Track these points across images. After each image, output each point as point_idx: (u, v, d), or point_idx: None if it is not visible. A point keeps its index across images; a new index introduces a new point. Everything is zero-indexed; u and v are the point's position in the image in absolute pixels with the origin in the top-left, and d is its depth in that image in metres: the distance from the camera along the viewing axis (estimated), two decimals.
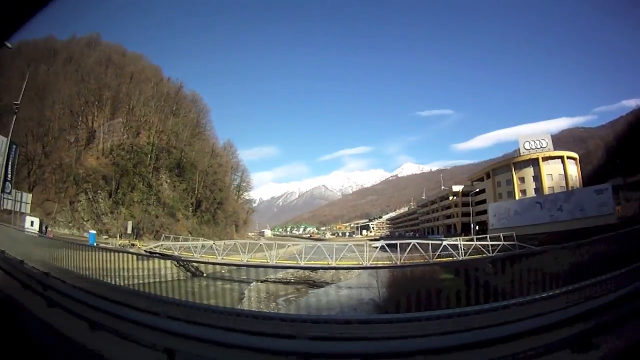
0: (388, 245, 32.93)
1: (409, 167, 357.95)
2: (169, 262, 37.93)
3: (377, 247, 35.69)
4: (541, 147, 72.19)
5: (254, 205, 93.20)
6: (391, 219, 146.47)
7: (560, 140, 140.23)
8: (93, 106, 63.97)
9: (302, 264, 34.34)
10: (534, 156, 71.19)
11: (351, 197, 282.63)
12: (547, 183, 69.80)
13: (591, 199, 47.84)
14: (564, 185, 68.67)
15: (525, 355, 4.13)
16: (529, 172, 71.84)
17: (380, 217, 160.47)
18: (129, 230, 47.97)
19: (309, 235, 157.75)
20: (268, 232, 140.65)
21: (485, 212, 74.12)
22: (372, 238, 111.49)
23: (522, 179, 72.66)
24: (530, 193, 69.53)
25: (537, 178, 70.96)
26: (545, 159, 70.91)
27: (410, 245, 32.60)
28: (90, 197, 55.54)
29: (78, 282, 10.09)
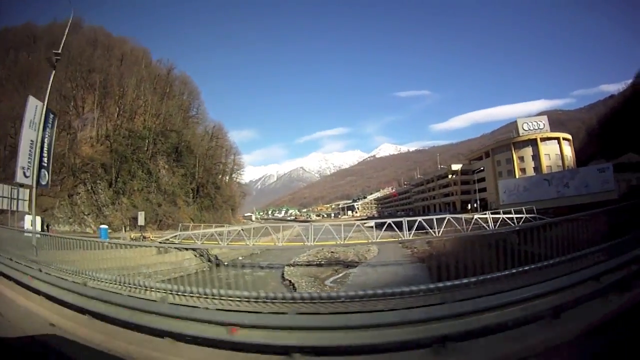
0: (395, 223, 30.07)
1: (387, 148, 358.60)
2: (188, 253, 33.57)
3: (372, 227, 33.63)
4: (539, 128, 73.04)
5: (245, 187, 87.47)
6: (378, 199, 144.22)
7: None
8: (83, 90, 56.25)
9: (339, 242, 30.54)
10: (533, 137, 71.69)
11: (330, 179, 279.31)
12: (545, 162, 70.94)
13: (594, 177, 48.96)
14: (560, 164, 70.21)
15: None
16: (528, 151, 72.24)
17: (365, 197, 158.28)
18: (141, 222, 42.03)
19: (293, 218, 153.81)
20: (253, 216, 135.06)
21: (483, 189, 75.61)
22: (360, 218, 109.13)
23: (521, 158, 73.05)
24: (530, 171, 70.47)
25: (536, 157, 71.73)
26: (542, 139, 71.53)
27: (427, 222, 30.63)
28: (90, 188, 48.89)
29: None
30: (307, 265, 32.74)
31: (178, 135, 64.14)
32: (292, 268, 30.67)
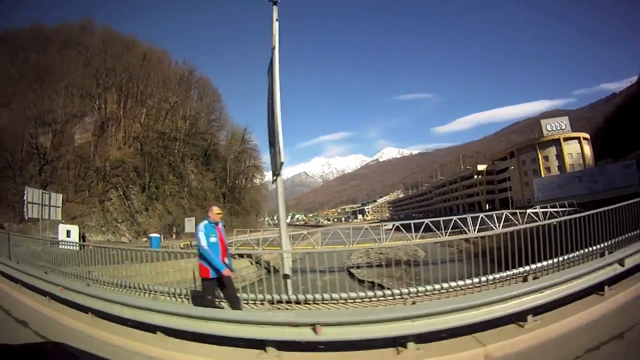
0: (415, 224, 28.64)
1: (389, 152, 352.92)
2: (244, 261, 29.76)
3: (390, 229, 32.23)
4: (561, 128, 72.42)
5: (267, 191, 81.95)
6: (392, 202, 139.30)
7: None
8: (106, 90, 50.75)
9: (380, 244, 26.72)
10: (556, 137, 70.94)
11: (334, 183, 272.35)
12: (567, 161, 70.10)
13: (620, 173, 50.38)
14: (582, 162, 69.15)
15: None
16: (552, 151, 71.57)
17: (375, 201, 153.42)
18: (191, 228, 36.41)
19: (303, 223, 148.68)
20: (265, 222, 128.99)
21: (506, 190, 76.17)
22: (373, 221, 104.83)
23: (545, 158, 72.19)
24: (554, 170, 69.81)
25: (559, 156, 70.90)
26: (565, 139, 70.88)
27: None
28: (122, 193, 43.28)
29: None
30: (370, 266, 27.99)
31: (206, 138, 58.64)
32: (358, 270, 26.95)
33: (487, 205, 77.20)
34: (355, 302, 6.96)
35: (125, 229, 41.73)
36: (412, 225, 27.95)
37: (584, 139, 71.92)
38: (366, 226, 31.11)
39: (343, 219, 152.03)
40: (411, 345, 4.41)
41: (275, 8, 7.77)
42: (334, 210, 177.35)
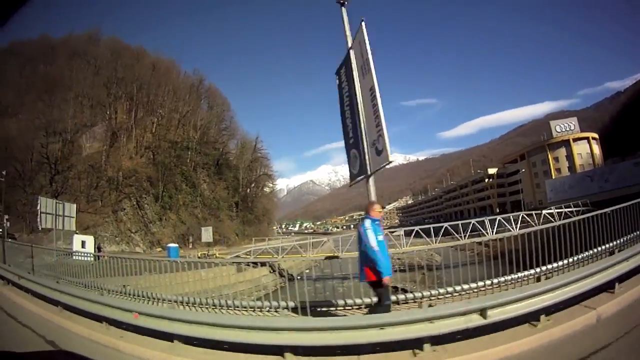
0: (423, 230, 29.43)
1: (395, 158, 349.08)
2: (263, 269, 29.63)
3: (400, 235, 31.51)
4: (570, 129, 71.43)
5: (277, 199, 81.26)
6: (401, 208, 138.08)
7: (546, 124, 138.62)
8: (116, 99, 50.60)
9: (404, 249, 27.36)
10: (566, 137, 70.07)
11: (342, 191, 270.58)
12: (577, 161, 69.22)
13: (631, 171, 49.65)
14: (591, 162, 68.25)
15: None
16: (562, 152, 70.65)
17: (384, 208, 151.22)
18: (208, 238, 35.71)
19: (312, 230, 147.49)
20: (275, 230, 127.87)
21: (518, 192, 73.83)
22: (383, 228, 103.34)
23: (556, 159, 71.33)
24: (565, 171, 69.06)
25: (569, 157, 69.99)
26: (574, 139, 70.00)
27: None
28: (135, 203, 42.80)
29: None
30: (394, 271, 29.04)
31: (217, 147, 58.27)
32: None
33: (498, 209, 76.15)
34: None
35: (139, 239, 41.15)
36: (432, 230, 27.88)
37: (593, 138, 71.12)
38: (402, 232, 31.24)
39: (352, 226, 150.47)
40: (427, 347, 4.50)
41: (344, 10, 8.00)
42: (342, 217, 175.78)
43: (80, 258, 19.56)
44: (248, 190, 61.83)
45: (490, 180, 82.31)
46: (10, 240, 26.16)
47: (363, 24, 7.20)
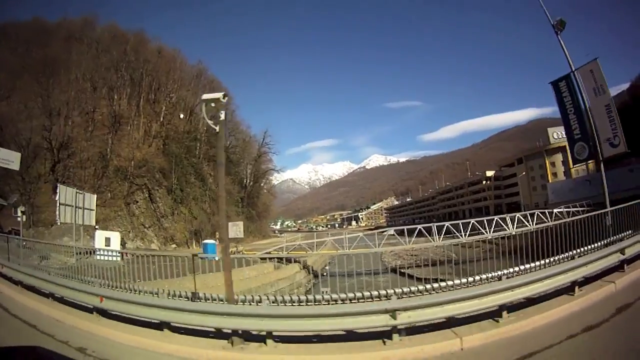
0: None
1: (376, 159, 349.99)
2: (295, 266, 28.43)
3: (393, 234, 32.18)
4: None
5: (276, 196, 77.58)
6: (389, 209, 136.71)
7: (530, 130, 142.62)
8: (122, 84, 45.72)
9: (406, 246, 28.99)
10: (562, 144, 68.25)
11: (322, 190, 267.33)
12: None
13: (626, 176, 47.67)
14: (585, 168, 70.72)
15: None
16: (559, 157, 72.21)
17: (368, 207, 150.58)
18: (237, 233, 31.89)
19: (297, 229, 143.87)
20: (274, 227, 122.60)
21: (515, 194, 77.78)
22: (367, 227, 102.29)
23: (552, 164, 73.23)
24: (561, 175, 70.64)
25: (565, 162, 69.82)
26: None
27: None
28: (147, 195, 38.39)
29: None
30: (418, 266, 28.81)
31: (228, 139, 54.12)
32: (410, 270, 26.53)
33: (494, 210, 77.44)
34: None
35: (153, 234, 36.90)
36: (434, 229, 28.58)
37: None
38: (392, 232, 31.01)
39: (336, 225, 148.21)
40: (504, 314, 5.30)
41: (560, 37, 9.53)
42: (323, 216, 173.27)
43: (105, 258, 16.12)
44: (254, 185, 58.06)
45: (488, 182, 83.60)
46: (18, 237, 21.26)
47: (598, 60, 8.86)
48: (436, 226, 30.93)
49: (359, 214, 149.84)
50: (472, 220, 30.45)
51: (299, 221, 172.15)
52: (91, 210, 20.93)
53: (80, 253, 14.42)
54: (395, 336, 4.90)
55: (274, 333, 5.30)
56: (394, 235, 30.96)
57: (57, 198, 18.60)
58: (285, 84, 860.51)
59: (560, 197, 58.19)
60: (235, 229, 32.71)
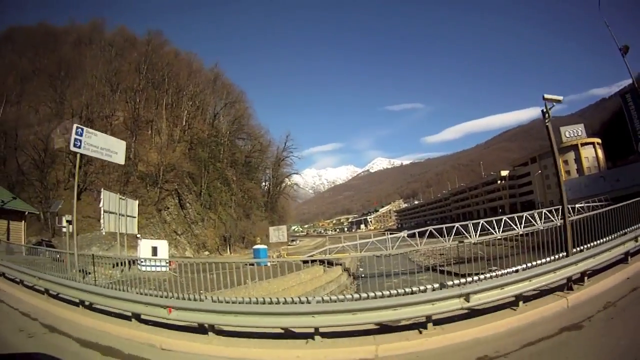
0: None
1: (380, 162, 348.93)
2: (338, 268, 28.26)
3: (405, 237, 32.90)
4: (578, 135, 74.17)
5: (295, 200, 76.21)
6: (400, 211, 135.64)
7: (533, 129, 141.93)
8: (145, 87, 44.56)
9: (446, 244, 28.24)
10: (574, 142, 72.78)
11: (327, 194, 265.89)
12: (585, 164, 71.74)
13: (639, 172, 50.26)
14: (597, 165, 71.00)
15: None
16: (571, 155, 73.13)
17: (377, 211, 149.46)
18: (280, 238, 30.70)
19: (305, 233, 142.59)
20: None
21: (529, 192, 78.29)
22: (378, 230, 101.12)
23: (565, 162, 72.50)
24: (574, 173, 71.38)
25: (577, 160, 72.71)
26: (581, 144, 72.80)
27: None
28: (177, 201, 37.11)
29: None
30: (454, 264, 28.35)
31: (252, 144, 52.95)
32: (449, 267, 26.19)
33: (509, 209, 76.62)
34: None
35: (186, 241, 35.52)
36: (471, 227, 29.88)
37: (597, 143, 73.60)
38: (404, 235, 31.61)
39: (346, 229, 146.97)
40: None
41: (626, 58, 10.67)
42: (329, 221, 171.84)
43: (151, 269, 14.41)
44: (276, 190, 56.82)
45: (502, 182, 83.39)
46: (49, 250, 18.98)
47: None
48: (460, 225, 31.24)
49: (368, 217, 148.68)
50: (504, 218, 31.06)
51: (306, 226, 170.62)
52: (133, 217, 19.52)
53: (131, 263, 12.89)
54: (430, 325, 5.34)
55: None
56: (414, 237, 30.76)
57: (100, 205, 17.16)
58: (286, 87, 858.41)
59: (576, 194, 57.90)
60: (278, 233, 31.68)
